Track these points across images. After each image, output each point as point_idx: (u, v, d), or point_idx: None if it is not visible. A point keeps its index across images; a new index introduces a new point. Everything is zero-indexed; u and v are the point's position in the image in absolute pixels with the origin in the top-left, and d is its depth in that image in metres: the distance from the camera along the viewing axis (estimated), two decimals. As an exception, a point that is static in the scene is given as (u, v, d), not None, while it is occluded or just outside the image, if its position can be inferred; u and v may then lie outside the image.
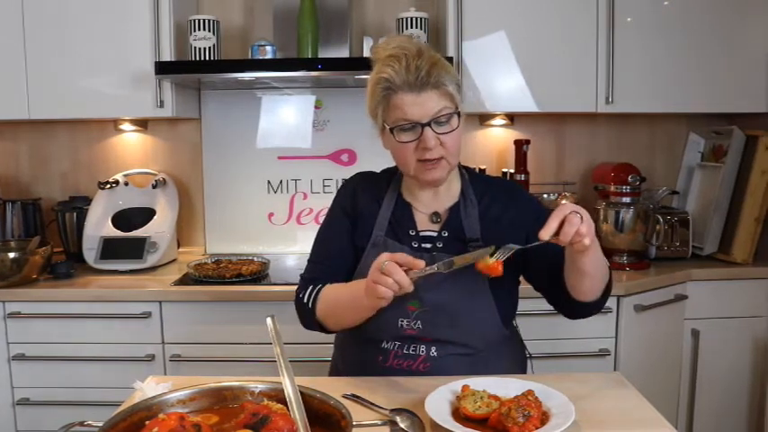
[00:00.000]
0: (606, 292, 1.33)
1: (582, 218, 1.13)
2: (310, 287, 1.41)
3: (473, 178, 1.46)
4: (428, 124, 1.27)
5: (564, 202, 1.15)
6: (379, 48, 1.35)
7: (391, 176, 1.48)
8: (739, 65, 2.40)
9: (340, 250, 1.44)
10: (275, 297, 2.12)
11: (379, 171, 1.53)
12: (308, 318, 1.41)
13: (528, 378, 1.30)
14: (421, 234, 1.41)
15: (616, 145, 2.77)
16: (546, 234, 1.12)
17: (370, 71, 1.37)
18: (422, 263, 1.17)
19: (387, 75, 1.28)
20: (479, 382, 1.18)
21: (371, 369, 1.36)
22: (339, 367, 1.50)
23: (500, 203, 1.41)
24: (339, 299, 1.36)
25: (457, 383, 1.19)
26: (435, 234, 1.40)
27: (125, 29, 2.34)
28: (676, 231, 2.45)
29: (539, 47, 2.37)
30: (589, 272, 1.22)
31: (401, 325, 1.34)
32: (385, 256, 1.18)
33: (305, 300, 1.41)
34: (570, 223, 1.12)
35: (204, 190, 2.73)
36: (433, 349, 1.35)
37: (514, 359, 1.46)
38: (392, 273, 1.14)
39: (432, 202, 1.42)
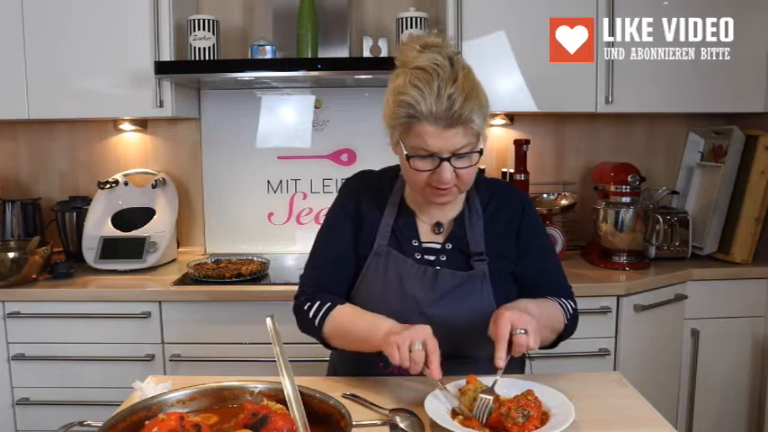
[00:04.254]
0: (560, 338, 1.37)
1: (526, 330, 1.14)
2: (318, 302, 1.36)
3: (478, 182, 1.39)
4: (448, 158, 1.21)
5: (502, 314, 1.15)
6: (406, 48, 1.24)
7: (393, 179, 1.42)
8: (739, 65, 2.40)
9: (343, 255, 1.39)
10: (275, 297, 2.12)
11: (379, 169, 1.48)
12: (312, 332, 1.37)
13: (528, 378, 1.30)
14: (424, 245, 1.37)
15: (616, 145, 2.77)
16: (502, 363, 1.14)
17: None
18: (437, 375, 1.14)
19: (412, 100, 1.17)
20: (480, 381, 1.18)
21: (371, 374, 1.35)
22: (337, 369, 1.48)
23: (504, 214, 1.38)
24: (352, 330, 1.31)
25: (456, 383, 1.19)
26: (439, 246, 1.37)
27: (125, 29, 2.34)
28: (676, 231, 2.45)
29: (539, 47, 2.37)
30: None
31: None
32: (421, 336, 1.14)
33: (310, 315, 1.36)
34: (519, 344, 1.14)
35: (204, 190, 2.73)
36: None
37: (514, 361, 1.46)
38: (414, 358, 1.13)
39: (435, 212, 1.38)
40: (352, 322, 1.32)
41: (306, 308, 1.37)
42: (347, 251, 1.39)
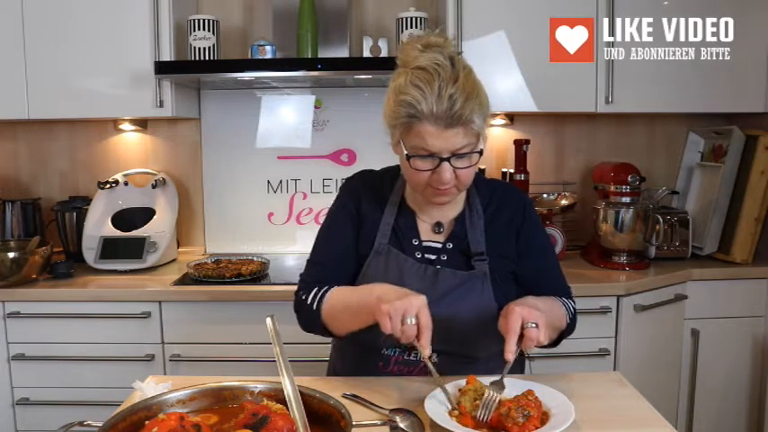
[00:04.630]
0: (561, 337, 1.36)
1: (537, 325, 1.14)
2: (315, 289, 1.36)
3: (478, 183, 1.39)
4: (448, 158, 1.21)
5: (513, 309, 1.16)
6: (408, 48, 1.24)
7: (394, 179, 1.42)
8: (739, 65, 2.40)
9: (344, 253, 1.39)
10: (275, 297, 2.12)
11: (379, 169, 1.48)
12: (312, 320, 1.36)
13: (528, 378, 1.30)
14: (424, 245, 1.37)
15: (616, 145, 2.77)
16: (511, 356, 1.13)
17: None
18: (427, 352, 1.13)
19: (413, 100, 1.18)
20: (480, 381, 1.18)
21: (371, 374, 1.35)
22: (337, 368, 1.48)
23: (505, 215, 1.38)
24: (348, 304, 1.31)
25: (456, 383, 1.19)
26: (440, 245, 1.37)
27: (125, 29, 2.34)
28: (676, 231, 2.45)
29: (539, 47, 2.37)
30: None
31: None
32: (415, 308, 1.12)
33: (308, 302, 1.36)
34: (530, 338, 1.14)
35: (204, 190, 2.73)
36: (434, 356, 1.33)
37: (514, 361, 1.45)
38: (406, 332, 1.12)
39: (435, 212, 1.38)
40: (347, 296, 1.31)
41: (303, 298, 1.37)
42: (347, 249, 1.40)
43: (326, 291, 1.35)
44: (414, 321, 1.12)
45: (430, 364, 1.16)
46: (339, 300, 1.33)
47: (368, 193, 1.42)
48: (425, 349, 1.13)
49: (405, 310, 1.12)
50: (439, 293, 1.31)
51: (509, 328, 1.14)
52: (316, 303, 1.34)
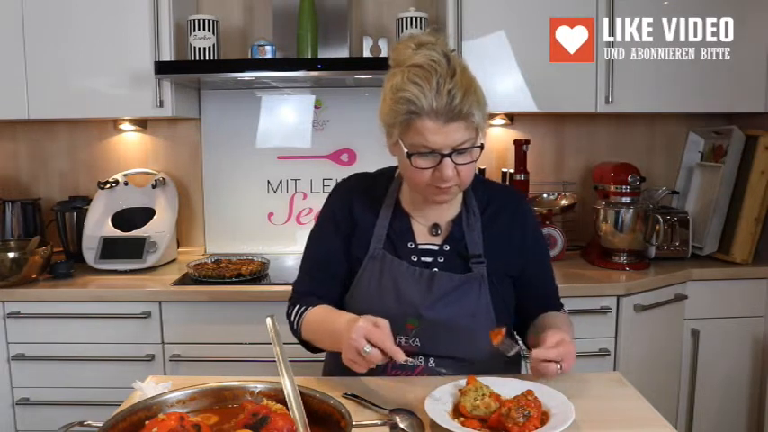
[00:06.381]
0: None
1: (562, 367, 1.20)
2: (296, 306, 1.37)
3: (475, 185, 1.37)
4: (449, 155, 1.20)
5: (566, 345, 1.22)
6: (401, 47, 1.24)
7: (389, 181, 1.41)
8: (739, 65, 2.40)
9: (330, 259, 1.39)
10: (275, 297, 2.11)
11: (374, 171, 1.47)
12: (295, 336, 1.39)
13: (528, 378, 1.29)
14: (420, 247, 1.36)
15: (615, 145, 2.77)
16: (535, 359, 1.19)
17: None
18: (402, 357, 1.14)
19: (413, 96, 1.17)
20: (480, 382, 1.18)
21: (367, 373, 1.35)
22: (331, 368, 1.47)
23: (503, 218, 1.38)
24: (318, 331, 1.33)
25: (456, 384, 1.19)
26: (436, 248, 1.36)
27: (125, 29, 2.34)
28: (676, 231, 2.45)
29: (539, 47, 2.37)
30: None
31: (399, 342, 1.29)
32: (361, 339, 1.13)
33: (291, 318, 1.38)
34: (548, 372, 1.19)
35: (204, 190, 2.73)
36: (431, 360, 1.33)
37: (511, 361, 1.45)
38: (371, 360, 1.13)
39: (432, 213, 1.37)
40: (319, 325, 1.33)
41: (289, 312, 1.39)
42: (335, 255, 1.39)
43: (305, 311, 1.36)
44: (369, 349, 1.13)
45: (407, 360, 1.18)
46: (312, 326, 1.34)
47: (361, 196, 1.41)
48: (396, 356, 1.14)
49: (356, 348, 1.13)
50: (434, 297, 1.31)
51: (554, 356, 1.18)
52: (295, 325, 1.37)
